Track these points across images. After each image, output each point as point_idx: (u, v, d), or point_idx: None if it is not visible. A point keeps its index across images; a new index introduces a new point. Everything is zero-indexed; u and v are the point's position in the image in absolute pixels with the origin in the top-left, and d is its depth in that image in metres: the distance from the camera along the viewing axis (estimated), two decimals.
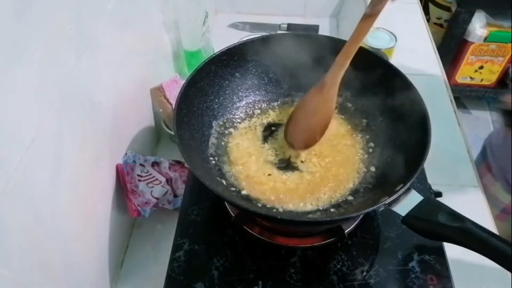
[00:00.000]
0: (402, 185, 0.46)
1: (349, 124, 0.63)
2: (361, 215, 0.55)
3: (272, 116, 0.65)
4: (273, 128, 0.63)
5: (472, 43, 1.63)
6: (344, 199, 0.55)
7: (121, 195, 0.64)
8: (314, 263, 0.54)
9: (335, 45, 0.56)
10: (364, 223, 0.56)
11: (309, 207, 0.54)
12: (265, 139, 0.62)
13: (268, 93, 0.66)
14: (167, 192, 0.67)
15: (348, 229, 0.54)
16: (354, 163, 0.58)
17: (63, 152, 0.46)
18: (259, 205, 0.54)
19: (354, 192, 0.55)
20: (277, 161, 0.59)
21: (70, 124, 0.48)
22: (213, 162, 0.58)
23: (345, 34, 1.05)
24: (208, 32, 0.90)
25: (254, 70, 0.65)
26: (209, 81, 0.60)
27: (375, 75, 0.59)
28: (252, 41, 0.62)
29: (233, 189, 0.55)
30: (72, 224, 0.50)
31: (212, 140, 0.60)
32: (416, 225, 0.48)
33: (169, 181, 0.68)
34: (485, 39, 1.61)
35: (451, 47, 1.67)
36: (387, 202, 0.45)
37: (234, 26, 1.12)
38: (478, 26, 1.59)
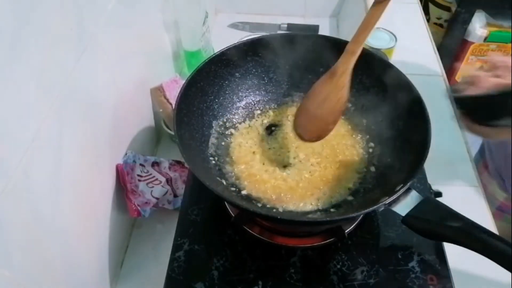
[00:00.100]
0: (402, 185, 0.46)
1: (349, 124, 0.63)
2: (361, 215, 0.55)
3: (272, 116, 0.65)
4: (273, 128, 0.63)
5: (472, 43, 1.63)
6: (344, 199, 0.55)
7: (121, 195, 0.64)
8: (314, 263, 0.54)
9: (335, 45, 0.56)
10: (364, 223, 0.56)
11: (309, 207, 0.54)
12: (265, 138, 0.62)
13: (268, 93, 0.66)
14: (167, 192, 0.67)
15: (348, 229, 0.54)
16: (354, 163, 0.58)
17: (63, 152, 0.46)
18: (259, 205, 0.54)
19: (354, 192, 0.55)
20: (278, 161, 0.59)
21: (70, 124, 0.48)
22: (213, 162, 0.58)
23: (345, 34, 1.05)
24: (208, 32, 0.90)
25: (254, 70, 0.65)
26: (209, 81, 0.60)
27: (375, 75, 0.59)
28: (252, 41, 0.62)
29: (233, 189, 0.55)
30: (72, 224, 0.50)
31: (212, 140, 0.60)
32: (416, 225, 0.48)
33: (169, 181, 0.68)
34: (485, 39, 1.60)
35: (451, 47, 1.67)
36: (387, 202, 0.45)
37: (234, 26, 1.12)
38: (478, 26, 1.59)
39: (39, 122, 0.41)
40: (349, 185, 0.56)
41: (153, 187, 0.66)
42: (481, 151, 0.91)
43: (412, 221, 0.48)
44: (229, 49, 0.61)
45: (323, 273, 0.53)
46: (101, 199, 0.59)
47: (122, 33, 0.62)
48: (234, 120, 0.64)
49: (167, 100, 0.74)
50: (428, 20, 1.44)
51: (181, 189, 0.69)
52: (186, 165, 0.70)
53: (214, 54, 0.60)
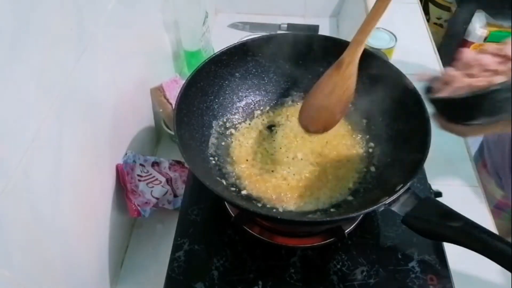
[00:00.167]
0: (402, 185, 0.46)
1: (349, 124, 0.63)
2: (361, 215, 0.55)
3: (272, 116, 0.65)
4: (273, 128, 0.63)
5: (472, 43, 1.62)
6: (344, 199, 0.55)
7: (121, 195, 0.64)
8: (314, 263, 0.54)
9: (335, 45, 0.56)
10: (364, 223, 0.56)
11: (309, 207, 0.54)
12: (265, 138, 0.62)
13: (268, 93, 0.66)
14: (167, 192, 0.67)
15: (348, 229, 0.54)
16: (354, 163, 0.58)
17: (63, 152, 0.46)
18: (259, 205, 0.54)
19: (354, 192, 0.55)
20: (278, 161, 0.59)
21: (70, 124, 0.48)
22: (213, 162, 0.58)
23: (345, 34, 1.05)
24: (208, 32, 0.90)
25: (254, 70, 0.65)
26: (209, 81, 0.60)
27: (375, 75, 0.59)
28: (252, 41, 0.62)
29: (233, 189, 0.55)
30: (72, 224, 0.50)
31: (212, 140, 0.60)
32: (416, 225, 0.48)
33: (169, 181, 0.68)
34: (485, 39, 1.60)
35: (451, 47, 1.66)
36: (387, 202, 0.45)
37: (234, 26, 1.12)
38: (478, 26, 1.58)
39: (39, 122, 0.41)
40: (349, 185, 0.56)
41: (153, 187, 0.66)
42: (480, 150, 0.91)
43: (412, 221, 0.48)
44: (229, 49, 0.61)
45: (323, 273, 0.53)
46: (101, 199, 0.59)
47: (122, 33, 0.62)
48: (234, 120, 0.64)
49: (167, 100, 0.74)
50: (428, 20, 1.44)
51: (181, 189, 0.69)
52: (186, 165, 0.70)
53: (214, 54, 0.60)
